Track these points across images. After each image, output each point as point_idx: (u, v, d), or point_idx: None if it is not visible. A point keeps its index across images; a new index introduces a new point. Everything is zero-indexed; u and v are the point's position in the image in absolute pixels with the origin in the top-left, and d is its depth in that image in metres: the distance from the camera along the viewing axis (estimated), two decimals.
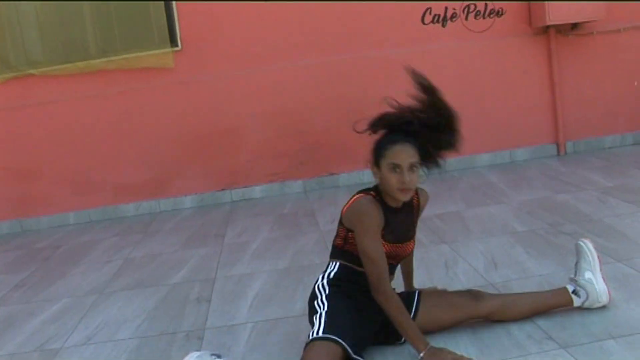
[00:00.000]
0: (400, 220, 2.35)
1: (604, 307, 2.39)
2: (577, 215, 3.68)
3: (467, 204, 4.29)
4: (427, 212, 4.09)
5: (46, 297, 3.46)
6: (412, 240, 2.42)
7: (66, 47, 5.19)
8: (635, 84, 5.56)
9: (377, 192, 2.32)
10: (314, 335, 2.10)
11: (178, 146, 5.28)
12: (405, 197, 2.27)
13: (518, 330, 2.33)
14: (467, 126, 5.22)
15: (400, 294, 2.29)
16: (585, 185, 4.39)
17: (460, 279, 2.91)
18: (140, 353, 2.55)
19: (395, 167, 2.23)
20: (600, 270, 2.42)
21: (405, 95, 2.42)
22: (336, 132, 5.35)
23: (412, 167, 2.24)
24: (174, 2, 5.15)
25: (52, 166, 5.34)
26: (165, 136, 5.29)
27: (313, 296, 2.31)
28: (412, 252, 2.50)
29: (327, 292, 2.27)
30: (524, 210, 3.93)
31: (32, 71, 5.19)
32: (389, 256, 2.29)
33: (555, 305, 2.43)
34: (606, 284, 2.40)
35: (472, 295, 2.41)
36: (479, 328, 2.38)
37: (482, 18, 5.36)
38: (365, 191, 2.34)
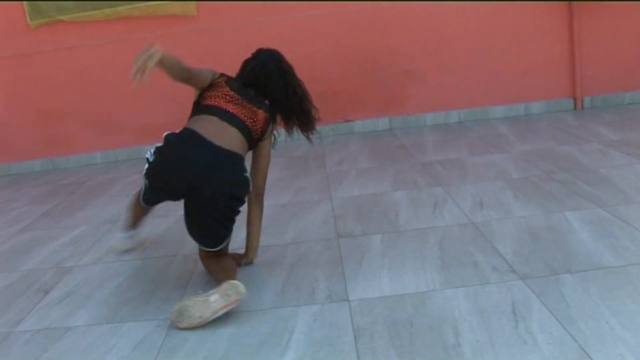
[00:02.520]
0: None
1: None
2: (574, 165, 3.78)
3: (471, 152, 4.42)
4: (430, 158, 4.30)
5: (66, 225, 3.76)
6: None
7: None
8: None
9: None
10: None
11: None
12: None
13: (485, 263, 2.50)
14: (482, 78, 5.43)
15: None
16: (591, 138, 4.46)
17: (444, 217, 3.08)
18: (142, 271, 2.83)
19: None
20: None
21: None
22: (351, 80, 5.49)
23: None
24: None
25: (79, 108, 5.62)
26: None
27: None
28: None
29: None
30: (524, 159, 4.05)
31: (61, 17, 5.43)
32: None
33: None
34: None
35: None
36: (448, 258, 2.57)
37: None
38: None
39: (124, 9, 5.41)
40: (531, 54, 5.52)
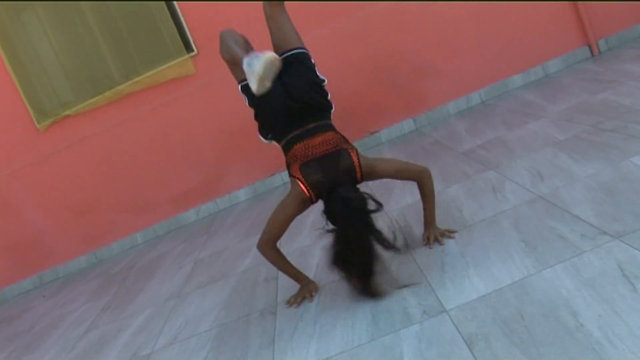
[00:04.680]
0: None
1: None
2: (617, 111, 3.61)
3: (507, 127, 4.27)
4: (469, 145, 4.16)
5: (130, 312, 3.67)
6: None
7: (92, 81, 5.40)
8: None
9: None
10: None
11: (219, 145, 5.42)
12: None
13: (571, 233, 2.34)
14: (492, 53, 5.03)
15: None
16: (623, 79, 4.28)
17: (508, 199, 2.93)
18: (221, 339, 2.71)
19: None
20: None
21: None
22: (366, 92, 5.40)
23: None
24: (179, 11, 5.28)
25: (108, 194, 5.58)
26: (205, 139, 5.44)
27: None
28: None
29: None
30: (564, 119, 3.89)
31: (67, 112, 5.43)
32: None
33: None
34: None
35: None
36: (530, 238, 2.42)
37: None
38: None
39: (124, 87, 5.39)
40: (532, 16, 5.39)
